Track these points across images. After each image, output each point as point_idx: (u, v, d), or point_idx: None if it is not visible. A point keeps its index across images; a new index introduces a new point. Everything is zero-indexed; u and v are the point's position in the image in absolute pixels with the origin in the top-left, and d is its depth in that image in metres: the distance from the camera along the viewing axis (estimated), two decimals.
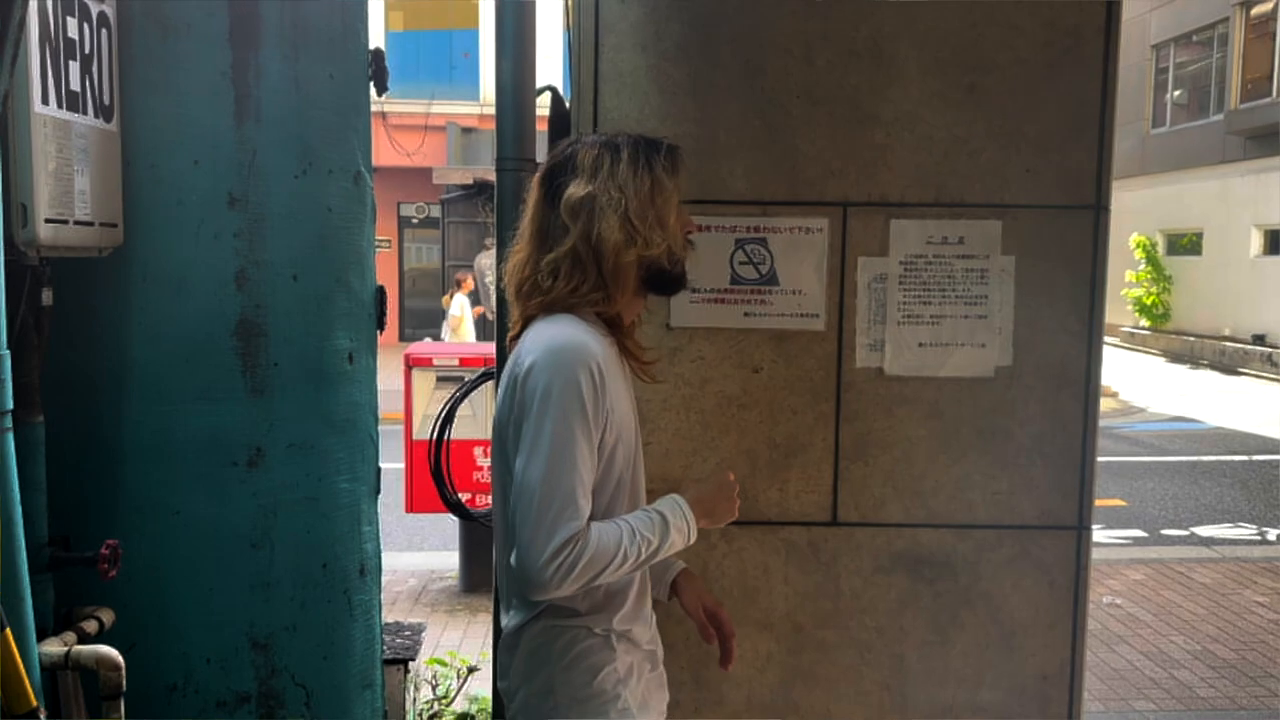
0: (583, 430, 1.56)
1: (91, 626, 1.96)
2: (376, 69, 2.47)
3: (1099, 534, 6.75)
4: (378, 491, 2.53)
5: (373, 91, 2.50)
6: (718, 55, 2.35)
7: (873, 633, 2.46)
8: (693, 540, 1.68)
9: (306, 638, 2.30)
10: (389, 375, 5.61)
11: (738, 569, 2.44)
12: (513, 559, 1.57)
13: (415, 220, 18.53)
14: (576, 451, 1.55)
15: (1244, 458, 9.63)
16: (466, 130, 16.05)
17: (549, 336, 1.61)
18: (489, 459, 2.01)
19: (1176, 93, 20.38)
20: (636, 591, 1.75)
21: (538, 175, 1.74)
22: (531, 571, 1.53)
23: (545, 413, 1.55)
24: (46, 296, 1.90)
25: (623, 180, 1.63)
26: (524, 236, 1.72)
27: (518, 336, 1.71)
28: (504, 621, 1.78)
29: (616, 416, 1.63)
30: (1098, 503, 2.49)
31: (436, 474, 3.08)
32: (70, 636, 1.89)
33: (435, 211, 17.44)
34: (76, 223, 1.86)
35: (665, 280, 1.71)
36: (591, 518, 1.60)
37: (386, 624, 3.10)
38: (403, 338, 16.71)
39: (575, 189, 1.64)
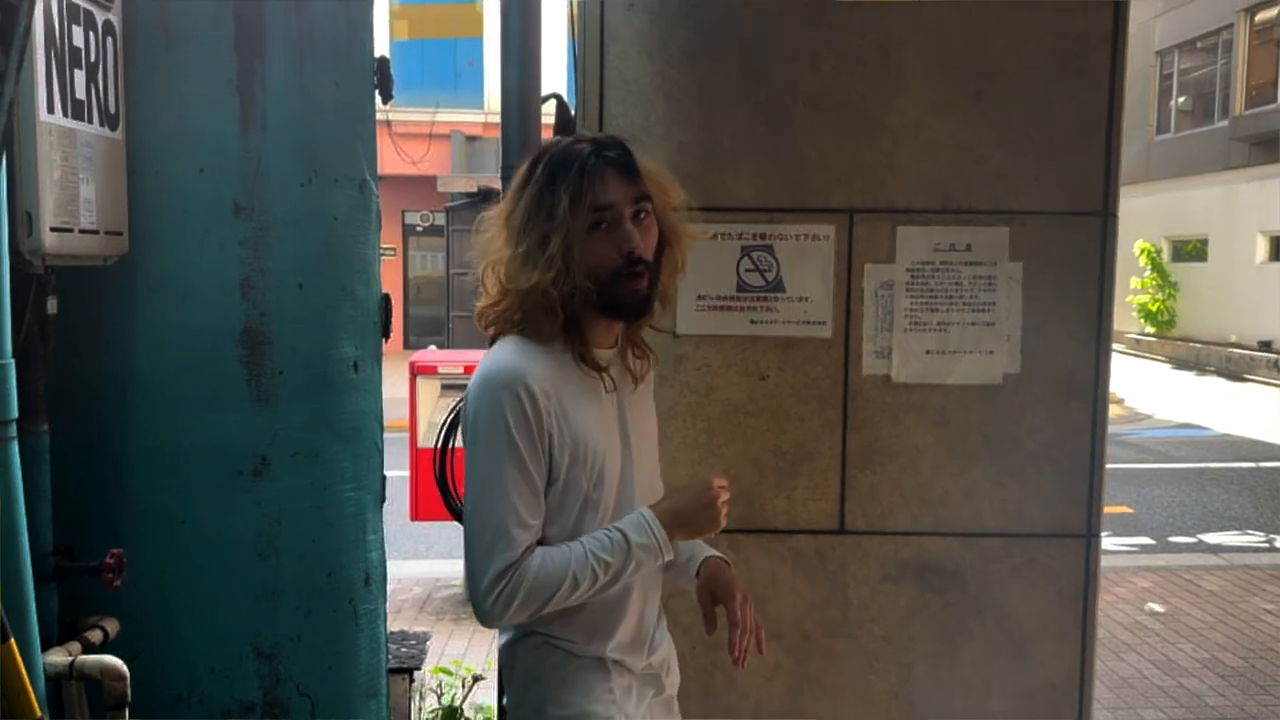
0: (511, 458, 1.52)
1: (96, 636, 1.95)
2: (381, 77, 2.47)
3: (1107, 542, 6.71)
4: (383, 500, 2.53)
5: (378, 100, 2.50)
6: (724, 62, 2.34)
7: (881, 641, 2.44)
8: (669, 556, 1.59)
9: (311, 647, 2.29)
10: (394, 383, 5.60)
11: (745, 578, 2.41)
12: (469, 592, 1.58)
13: (420, 228, 18.55)
14: (505, 481, 1.52)
15: (1251, 464, 9.60)
16: (471, 138, 16.08)
17: (482, 366, 1.60)
18: None
19: (1181, 99, 20.37)
20: (634, 621, 1.67)
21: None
22: (476, 603, 1.54)
23: (474, 443, 1.55)
24: (51, 305, 1.89)
25: (526, 202, 1.58)
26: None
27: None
28: (499, 634, 1.75)
29: (566, 436, 1.55)
30: (1105, 510, 2.48)
31: (441, 481, 3.08)
32: (75, 646, 1.88)
33: (440, 219, 17.45)
34: (81, 231, 1.85)
35: (615, 304, 1.58)
36: (546, 541, 1.57)
37: (392, 633, 3.09)
38: (408, 345, 16.72)
39: (493, 209, 1.64)
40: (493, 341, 1.67)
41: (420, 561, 6.47)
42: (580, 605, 1.59)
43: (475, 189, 15.33)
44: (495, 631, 1.76)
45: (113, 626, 2.00)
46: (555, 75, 2.45)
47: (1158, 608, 5.44)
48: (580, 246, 1.54)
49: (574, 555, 1.54)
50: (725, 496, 1.62)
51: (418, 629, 4.55)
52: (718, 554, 1.83)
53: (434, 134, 16.28)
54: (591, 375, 1.62)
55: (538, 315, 1.58)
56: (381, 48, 2.49)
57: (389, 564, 2.61)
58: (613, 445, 1.65)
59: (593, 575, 1.53)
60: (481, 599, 1.52)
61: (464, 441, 1.58)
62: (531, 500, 1.54)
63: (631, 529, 1.57)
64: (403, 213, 18.21)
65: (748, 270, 2.36)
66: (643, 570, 1.59)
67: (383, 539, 2.53)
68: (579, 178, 1.53)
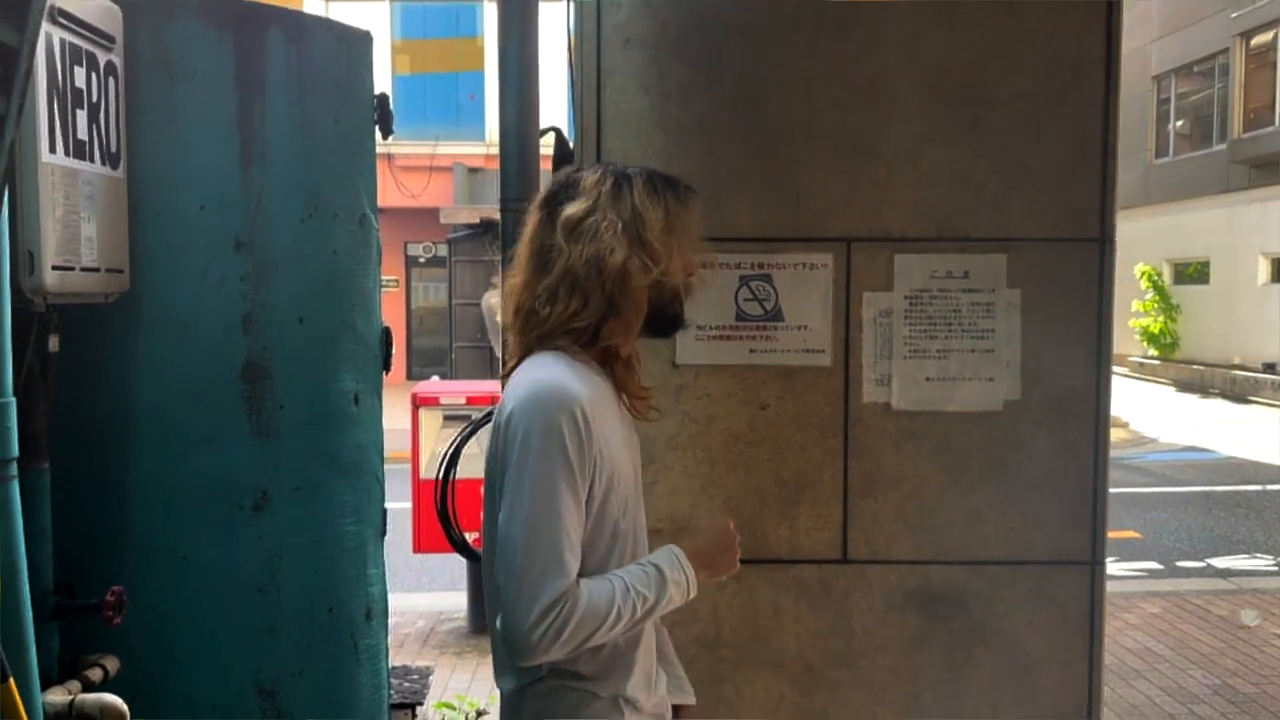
0: (566, 481, 1.44)
1: (96, 674, 1.94)
2: (381, 113, 2.50)
3: (1114, 567, 6.67)
4: (383, 533, 2.52)
5: (388, 136, 2.53)
6: (720, 95, 2.36)
7: (886, 672, 2.43)
8: (693, 594, 1.55)
9: (312, 683, 2.28)
10: (397, 414, 5.61)
11: (748, 608, 2.41)
12: (499, 622, 1.47)
13: (422, 260, 18.62)
14: (560, 504, 1.44)
15: (1258, 487, 9.54)
16: (473, 170, 16.17)
17: (531, 380, 1.51)
18: None
19: (1179, 123, 20.46)
20: (644, 656, 1.63)
21: (538, 199, 1.66)
22: (518, 636, 1.43)
23: (525, 463, 1.45)
24: (53, 343, 1.90)
25: (638, 203, 1.55)
26: (521, 261, 1.62)
27: (510, 373, 1.61)
28: (499, 681, 1.63)
29: (606, 462, 1.51)
30: (1111, 534, 2.47)
31: (442, 513, 3.07)
32: (75, 685, 1.88)
33: (442, 251, 17.52)
34: (83, 269, 1.86)
35: (664, 318, 1.62)
36: (583, 573, 1.48)
37: (394, 667, 3.07)
38: (410, 376, 16.73)
39: (574, 208, 1.55)
40: (523, 354, 1.59)
41: (423, 594, 6.43)
42: (597, 645, 1.52)
43: (478, 220, 15.40)
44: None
45: (113, 664, 1.99)
46: (556, 109, 2.47)
47: (1253, 618, 5.30)
48: (681, 254, 1.59)
49: (616, 588, 1.47)
50: (737, 539, 1.62)
51: (420, 663, 4.52)
52: (689, 701, 1.83)
53: (435, 166, 16.37)
54: (620, 400, 1.62)
55: (636, 317, 1.57)
56: (384, 82, 2.52)
57: (391, 597, 2.61)
58: (631, 474, 1.62)
59: (632, 609, 1.48)
60: (529, 631, 1.41)
61: (508, 458, 1.48)
62: (580, 528, 1.48)
63: (666, 565, 1.53)
64: (405, 244, 18.28)
65: (746, 300, 2.37)
66: (670, 608, 1.54)
67: (384, 573, 2.52)
68: (684, 192, 1.60)
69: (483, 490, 1.63)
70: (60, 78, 1.77)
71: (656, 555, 1.55)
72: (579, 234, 1.54)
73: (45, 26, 1.70)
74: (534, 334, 1.57)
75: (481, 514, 1.63)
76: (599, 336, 1.57)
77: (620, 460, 1.56)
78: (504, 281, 1.70)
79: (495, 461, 1.54)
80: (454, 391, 5.79)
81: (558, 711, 1.55)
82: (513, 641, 1.44)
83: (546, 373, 1.51)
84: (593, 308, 1.54)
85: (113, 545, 2.15)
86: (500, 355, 1.71)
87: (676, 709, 1.79)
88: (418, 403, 5.48)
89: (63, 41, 1.77)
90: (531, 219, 1.63)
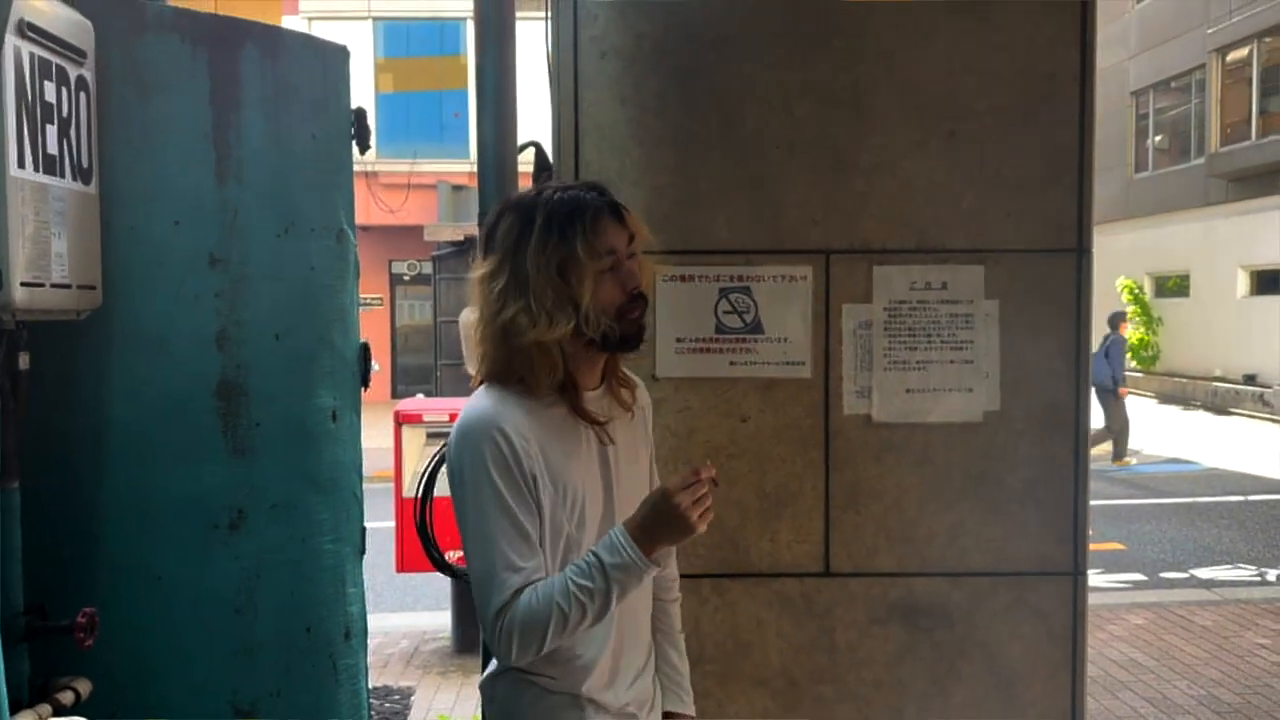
0: (496, 504, 1.55)
1: (68, 698, 1.91)
2: (359, 128, 2.49)
3: (1098, 578, 6.68)
4: (362, 552, 2.50)
5: (366, 151, 2.51)
6: (697, 107, 2.36)
7: (870, 686, 2.41)
8: (650, 570, 1.55)
9: (291, 704, 2.25)
10: (381, 432, 5.58)
11: (730, 623, 2.40)
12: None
13: (407, 277, 18.58)
14: (492, 528, 1.55)
15: (1240, 498, 9.59)
16: (457, 188, 16.17)
17: (462, 416, 1.62)
18: None
19: (1158, 138, 20.66)
20: (609, 659, 1.68)
21: (482, 234, 1.74)
22: (489, 645, 1.59)
23: (461, 493, 1.58)
24: (23, 361, 1.88)
25: (530, 257, 1.58)
26: (472, 296, 1.69)
27: None
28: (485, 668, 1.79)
29: (548, 478, 1.59)
30: (1095, 546, 2.47)
31: (422, 532, 3.04)
32: (45, 709, 1.85)
33: (427, 269, 17.50)
34: (53, 285, 1.84)
35: (615, 342, 1.64)
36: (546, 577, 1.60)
37: (375, 688, 3.04)
38: (395, 394, 16.67)
39: (484, 266, 1.64)
40: (475, 387, 1.69)
41: (407, 614, 6.39)
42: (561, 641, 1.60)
43: (462, 238, 15.38)
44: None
45: (85, 687, 1.96)
46: (539, 124, 2.45)
47: None
48: (595, 291, 1.60)
49: (555, 587, 1.55)
50: (700, 493, 1.54)
51: (403, 684, 4.49)
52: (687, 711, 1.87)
53: (413, 184, 16.37)
54: (572, 420, 1.65)
55: (539, 369, 1.60)
56: (367, 100, 2.51)
57: (375, 617, 2.59)
58: (594, 488, 1.67)
59: (578, 602, 1.53)
60: (490, 642, 1.58)
61: (451, 493, 1.62)
62: (521, 543, 1.56)
63: (604, 550, 1.56)
64: (390, 262, 18.24)
65: (726, 312, 2.37)
66: (629, 590, 1.57)
67: (363, 592, 2.49)
68: (590, 224, 1.59)
69: None
70: (29, 92, 1.75)
71: (600, 544, 1.58)
72: (485, 294, 1.63)
73: (14, 41, 1.69)
74: (485, 370, 1.66)
75: None
76: (530, 385, 1.62)
77: (568, 474, 1.62)
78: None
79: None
80: (437, 409, 5.76)
81: (521, 701, 1.68)
82: (491, 650, 1.62)
83: (471, 407, 1.63)
84: (503, 361, 1.62)
85: (86, 565, 2.12)
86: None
87: (670, 715, 1.85)
88: (400, 421, 5.45)
89: (32, 55, 1.76)
90: (479, 254, 1.73)
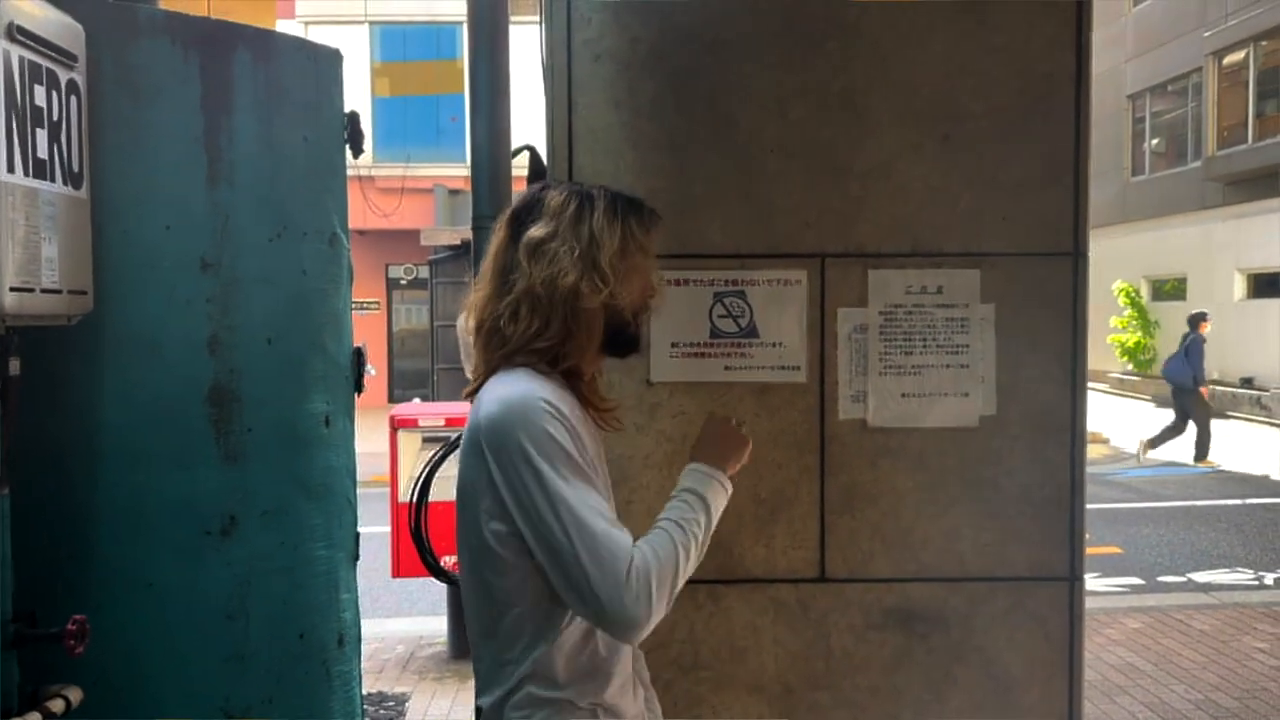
0: (573, 470, 1.48)
1: (58, 705, 1.89)
2: (352, 131, 2.48)
3: (1095, 582, 6.68)
4: (356, 557, 2.49)
5: (363, 154, 2.51)
6: (692, 111, 2.35)
7: (866, 693, 2.40)
8: (730, 490, 1.63)
9: (283, 711, 2.24)
10: (377, 437, 5.56)
11: (725, 629, 2.38)
12: (592, 618, 1.50)
13: (404, 281, 18.57)
14: (581, 493, 1.47)
15: (1238, 501, 9.59)
16: (454, 192, 16.19)
17: (501, 396, 1.52)
18: None
19: (1154, 141, 20.68)
20: (624, 665, 1.64)
21: (505, 216, 1.68)
22: (619, 620, 1.46)
23: (527, 477, 1.47)
24: (13, 366, 1.86)
25: (596, 226, 1.58)
26: (485, 277, 1.65)
27: (476, 391, 1.62)
28: (480, 700, 1.63)
29: (591, 457, 1.56)
30: (1093, 550, 2.46)
31: (416, 536, 3.03)
32: (34, 717, 1.83)
33: (423, 272, 17.50)
34: (44, 291, 1.83)
35: (621, 340, 1.65)
36: None
37: (369, 694, 3.03)
38: (392, 399, 16.64)
39: (537, 230, 1.59)
40: (488, 372, 1.61)
41: (403, 619, 6.37)
42: (575, 652, 1.56)
43: (459, 241, 15.39)
44: (474, 691, 1.68)
45: (75, 695, 1.94)
46: (534, 127, 2.45)
47: None
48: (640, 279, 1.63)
49: (670, 530, 1.53)
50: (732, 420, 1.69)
51: (398, 690, 4.47)
52: None
53: (410, 188, 16.37)
54: (586, 412, 1.64)
55: (588, 334, 1.59)
56: (363, 105, 2.51)
57: (371, 622, 2.57)
58: (607, 483, 1.66)
59: (693, 537, 1.53)
60: (624, 609, 1.44)
61: (503, 478, 1.49)
62: (609, 503, 1.55)
63: (692, 483, 1.59)
64: (386, 266, 18.23)
65: (720, 316, 2.36)
66: (716, 517, 1.60)
67: (356, 598, 2.48)
68: (649, 217, 1.65)
69: (455, 509, 1.62)
70: (19, 96, 1.74)
71: (685, 479, 1.61)
72: (539, 256, 1.57)
73: (3, 44, 1.68)
74: (498, 352, 1.60)
75: (456, 535, 1.63)
76: (561, 358, 1.59)
77: (599, 457, 1.62)
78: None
79: (475, 475, 1.55)
80: (433, 413, 5.75)
81: None
82: (618, 626, 1.47)
83: (516, 387, 1.54)
84: (554, 329, 1.57)
85: (77, 571, 2.10)
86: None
87: None
88: (396, 425, 5.43)
89: (22, 59, 1.74)
90: (497, 235, 1.66)
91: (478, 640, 1.62)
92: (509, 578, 1.54)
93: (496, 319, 1.59)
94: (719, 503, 1.60)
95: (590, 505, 1.47)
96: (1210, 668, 5.17)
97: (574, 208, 1.60)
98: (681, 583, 1.52)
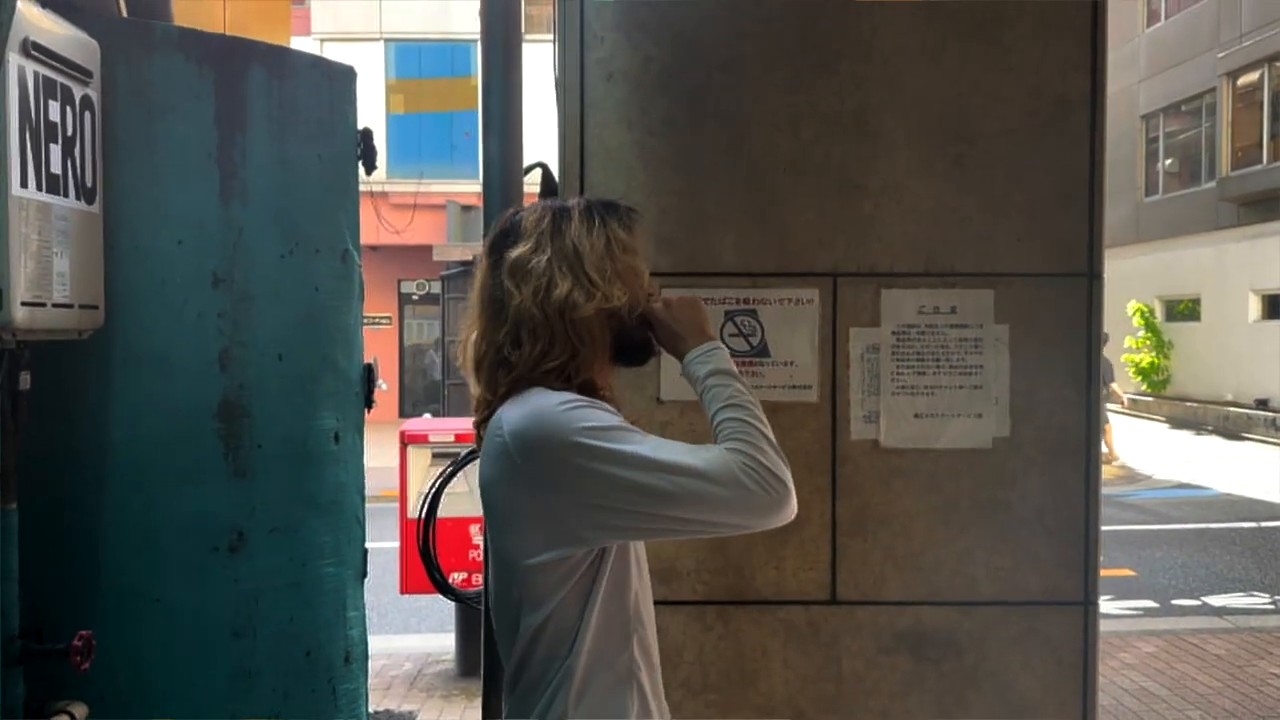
0: (630, 432, 1.46)
1: None
2: (365, 148, 2.48)
3: (1109, 606, 6.61)
4: (364, 574, 2.47)
5: (372, 171, 2.50)
6: (703, 129, 2.35)
7: (878, 717, 2.37)
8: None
9: None
10: (388, 453, 5.55)
11: (735, 651, 2.36)
12: (754, 528, 1.52)
13: (415, 297, 18.63)
14: (653, 443, 1.46)
15: (1253, 524, 9.50)
16: (466, 208, 16.26)
17: (529, 411, 1.48)
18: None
19: (1168, 161, 20.63)
20: (637, 711, 1.56)
21: (485, 244, 1.65)
22: (772, 512, 1.48)
23: (605, 457, 1.43)
24: (24, 380, 1.87)
25: (575, 234, 1.55)
26: (474, 311, 1.61)
27: (484, 421, 1.58)
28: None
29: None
30: (1106, 573, 2.43)
31: (424, 553, 3.02)
32: None
33: (435, 288, 17.55)
34: (55, 305, 1.83)
35: (632, 346, 1.62)
36: (612, 577, 1.51)
37: (376, 712, 3.01)
38: (403, 414, 16.67)
39: (517, 251, 1.56)
40: (499, 401, 1.56)
41: (412, 636, 6.35)
42: (617, 692, 1.52)
43: (470, 257, 15.44)
44: (481, 711, 1.64)
45: (80, 711, 1.94)
46: (547, 145, 2.44)
47: None
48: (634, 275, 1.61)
49: (732, 415, 1.51)
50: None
51: (406, 707, 4.45)
52: None
53: (423, 204, 16.44)
54: None
55: (594, 343, 1.55)
56: (378, 121, 2.51)
57: (378, 639, 2.56)
58: None
59: (750, 405, 1.52)
60: (768, 502, 1.46)
61: (570, 490, 1.45)
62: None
63: (712, 365, 1.58)
64: (399, 282, 18.30)
65: (732, 335, 2.34)
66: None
67: (364, 615, 2.47)
68: (627, 216, 1.61)
69: (483, 524, 1.58)
70: (33, 111, 1.75)
71: (695, 370, 1.59)
72: (524, 275, 1.54)
73: (18, 60, 1.69)
74: (506, 381, 1.55)
75: (482, 554, 1.57)
76: (572, 374, 1.55)
77: None
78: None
79: (501, 474, 1.51)
80: (442, 429, 5.74)
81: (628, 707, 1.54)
82: (774, 515, 1.49)
83: (534, 402, 1.50)
84: (558, 348, 1.53)
85: (84, 587, 2.10)
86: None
87: None
88: (406, 441, 5.43)
89: (36, 74, 1.75)
90: (480, 267, 1.63)
91: (509, 663, 1.58)
92: (541, 611, 1.50)
93: (499, 349, 1.55)
94: (731, 363, 1.60)
95: (667, 447, 1.46)
96: (1226, 693, 5.11)
97: (549, 221, 1.57)
98: (772, 437, 1.51)
